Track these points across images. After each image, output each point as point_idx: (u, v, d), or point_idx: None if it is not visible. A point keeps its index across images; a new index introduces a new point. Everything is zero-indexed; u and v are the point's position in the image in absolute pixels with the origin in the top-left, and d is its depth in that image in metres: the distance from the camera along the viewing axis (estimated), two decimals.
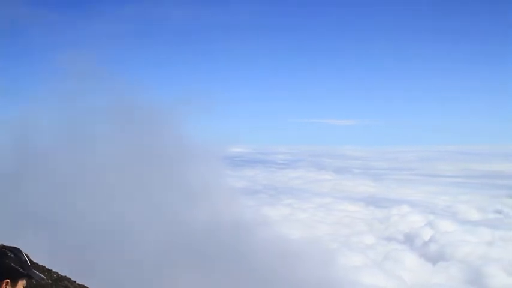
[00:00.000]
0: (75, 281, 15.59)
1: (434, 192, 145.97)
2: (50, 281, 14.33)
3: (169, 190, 31.51)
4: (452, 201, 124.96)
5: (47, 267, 15.15)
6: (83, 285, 15.49)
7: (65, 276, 15.17)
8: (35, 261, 13.24)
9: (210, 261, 26.77)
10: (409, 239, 77.71)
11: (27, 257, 3.72)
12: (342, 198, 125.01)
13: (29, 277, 3.69)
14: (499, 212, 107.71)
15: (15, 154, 44.67)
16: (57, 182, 35.73)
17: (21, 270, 3.63)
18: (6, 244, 3.77)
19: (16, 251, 3.69)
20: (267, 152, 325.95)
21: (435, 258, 66.89)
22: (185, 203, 30.87)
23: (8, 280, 3.58)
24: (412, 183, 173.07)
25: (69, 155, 37.33)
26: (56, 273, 15.17)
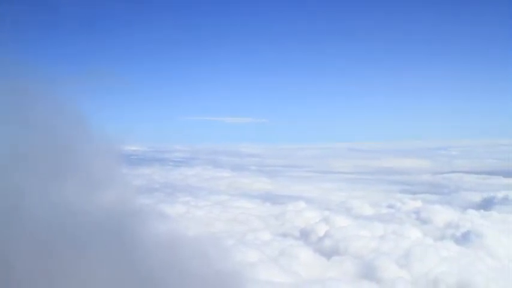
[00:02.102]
0: None
1: (329, 189, 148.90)
2: None
3: (62, 180, 30.29)
4: (346, 197, 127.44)
5: None
6: None
7: None
8: None
9: (101, 256, 25.86)
10: (305, 235, 78.42)
11: None
12: (238, 196, 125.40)
13: None
14: (391, 207, 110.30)
15: None
16: None
17: None
18: None
19: None
20: (164, 150, 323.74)
21: (330, 253, 67.66)
22: (78, 195, 29.77)
23: None
24: (307, 180, 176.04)
25: None
26: None
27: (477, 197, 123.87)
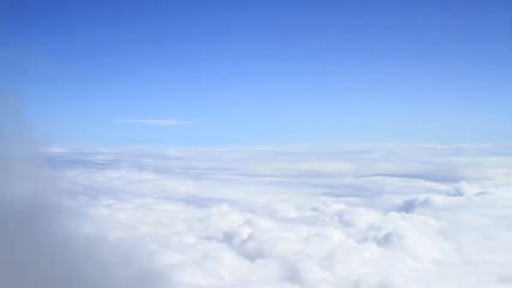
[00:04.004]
0: None
1: (254, 192, 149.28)
2: None
3: None
4: (271, 200, 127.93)
5: None
6: None
7: None
8: None
9: (20, 255, 25.24)
10: (228, 238, 78.10)
11: None
12: (163, 199, 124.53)
13: None
14: (315, 209, 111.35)
15: None
16: None
17: None
18: None
19: None
20: (88, 152, 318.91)
21: (253, 256, 67.54)
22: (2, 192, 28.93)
23: None
24: (232, 182, 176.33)
25: None
26: None
27: (399, 200, 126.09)
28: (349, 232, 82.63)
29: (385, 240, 75.63)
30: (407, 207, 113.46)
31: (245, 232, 77.56)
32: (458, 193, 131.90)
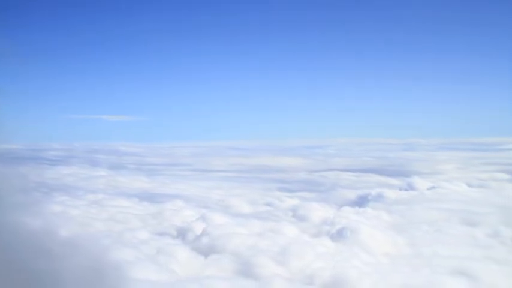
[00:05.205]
0: None
1: (208, 187, 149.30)
2: None
3: None
4: (224, 195, 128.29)
5: None
6: None
7: None
8: None
9: None
10: (182, 233, 77.62)
11: None
12: (116, 195, 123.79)
13: None
14: (269, 204, 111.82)
15: None
16: None
17: None
18: None
19: None
20: (39, 148, 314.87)
21: (207, 251, 67.15)
22: None
23: None
24: (186, 178, 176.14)
25: None
26: None
27: (352, 194, 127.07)
28: (303, 227, 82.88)
29: (339, 235, 75.93)
30: (361, 201, 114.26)
31: (199, 228, 77.20)
32: (411, 187, 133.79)
